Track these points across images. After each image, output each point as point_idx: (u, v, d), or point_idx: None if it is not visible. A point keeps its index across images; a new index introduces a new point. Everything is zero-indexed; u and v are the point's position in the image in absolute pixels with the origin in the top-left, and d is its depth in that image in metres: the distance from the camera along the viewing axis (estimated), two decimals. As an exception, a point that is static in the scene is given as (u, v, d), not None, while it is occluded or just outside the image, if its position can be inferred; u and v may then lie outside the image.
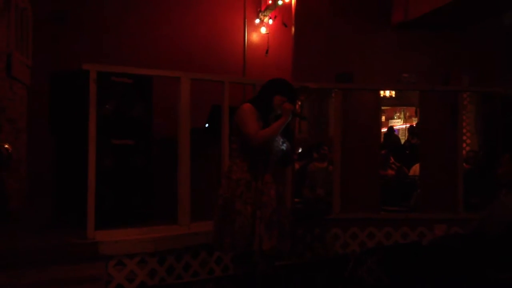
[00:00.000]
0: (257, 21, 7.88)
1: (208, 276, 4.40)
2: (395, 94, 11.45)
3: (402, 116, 14.11)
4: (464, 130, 8.54)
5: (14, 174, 4.97)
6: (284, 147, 3.54)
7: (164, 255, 4.22)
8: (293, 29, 8.18)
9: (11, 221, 4.63)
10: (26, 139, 5.41)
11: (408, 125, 12.87)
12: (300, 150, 6.28)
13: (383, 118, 12.74)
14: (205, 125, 5.46)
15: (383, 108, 10.87)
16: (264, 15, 7.88)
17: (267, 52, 7.83)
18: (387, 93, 11.10)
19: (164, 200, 4.78)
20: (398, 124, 13.76)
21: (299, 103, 8.36)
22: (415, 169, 7.36)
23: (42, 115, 4.99)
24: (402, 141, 11.78)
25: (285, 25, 8.00)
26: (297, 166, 6.53)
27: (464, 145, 7.32)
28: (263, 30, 7.88)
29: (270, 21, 7.92)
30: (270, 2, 7.74)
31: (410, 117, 13.66)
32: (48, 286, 3.70)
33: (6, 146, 3.80)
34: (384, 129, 11.47)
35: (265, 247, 3.34)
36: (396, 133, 12.34)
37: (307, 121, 4.63)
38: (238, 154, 3.50)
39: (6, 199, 4.68)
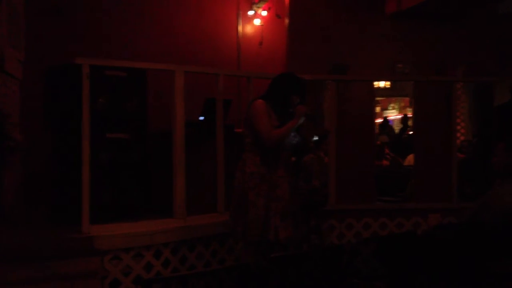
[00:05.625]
0: (251, 12, 7.84)
1: (205, 269, 4.41)
2: (390, 84, 11.43)
3: (396, 106, 14.10)
4: (458, 120, 8.58)
5: (8, 169, 4.95)
6: (295, 141, 3.62)
7: (160, 249, 4.22)
8: (286, 20, 8.16)
9: (5, 216, 4.62)
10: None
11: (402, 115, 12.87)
12: (316, 138, 6.34)
13: (378, 109, 12.72)
14: (199, 118, 5.45)
15: (377, 99, 10.86)
16: (258, 7, 7.85)
17: (260, 43, 7.81)
18: (382, 83, 11.09)
19: (161, 194, 4.77)
20: (393, 114, 13.73)
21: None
22: (410, 159, 7.38)
23: (37, 110, 4.97)
24: (397, 131, 11.81)
25: (279, 17, 7.98)
26: (292, 158, 6.53)
27: (458, 134, 7.33)
28: (257, 21, 7.85)
29: (264, 13, 7.89)
30: (263, -7, 7.72)
31: (404, 107, 13.65)
32: (43, 281, 3.69)
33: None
34: (378, 120, 11.46)
35: (281, 236, 3.48)
36: (391, 123, 12.33)
37: (315, 120, 4.69)
38: (251, 148, 3.58)
39: (1, 194, 4.67)
